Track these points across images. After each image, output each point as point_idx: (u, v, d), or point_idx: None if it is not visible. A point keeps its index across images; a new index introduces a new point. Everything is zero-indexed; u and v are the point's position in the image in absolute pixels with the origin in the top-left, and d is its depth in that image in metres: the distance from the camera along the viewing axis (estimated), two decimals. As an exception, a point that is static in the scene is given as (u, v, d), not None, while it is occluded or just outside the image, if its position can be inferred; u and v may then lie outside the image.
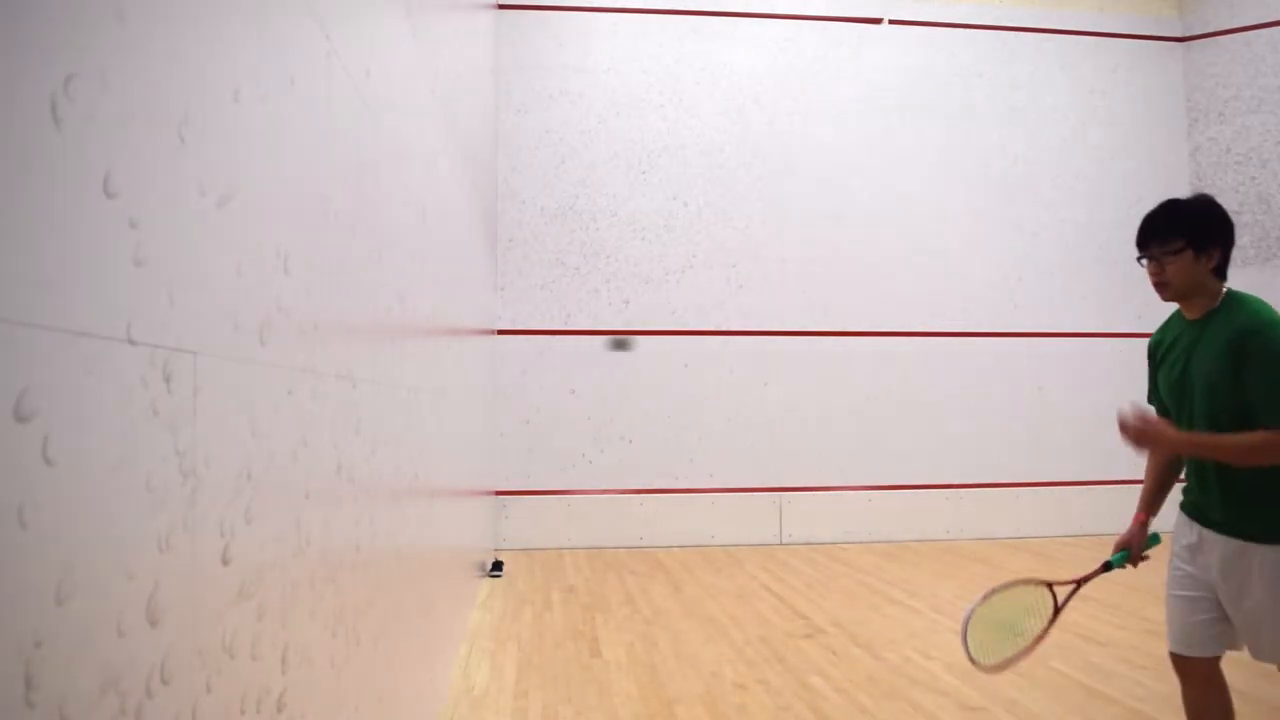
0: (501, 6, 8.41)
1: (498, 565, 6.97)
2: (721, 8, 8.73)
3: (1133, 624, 5.13)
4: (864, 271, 8.71)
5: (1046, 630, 2.80)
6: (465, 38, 4.91)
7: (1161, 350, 2.57)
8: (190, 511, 1.04)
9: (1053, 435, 8.65)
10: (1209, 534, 2.43)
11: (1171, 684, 3.98)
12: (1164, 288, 2.43)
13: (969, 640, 2.63)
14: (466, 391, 4.98)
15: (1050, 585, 2.81)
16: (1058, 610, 2.81)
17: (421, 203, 2.98)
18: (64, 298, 0.78)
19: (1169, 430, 2.41)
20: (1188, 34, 9.31)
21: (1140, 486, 2.77)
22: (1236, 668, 4.17)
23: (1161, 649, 4.64)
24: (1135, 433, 2.40)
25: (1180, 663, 2.56)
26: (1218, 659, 2.51)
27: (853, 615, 5.39)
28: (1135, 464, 2.89)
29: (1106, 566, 2.75)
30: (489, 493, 7.22)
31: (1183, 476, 2.62)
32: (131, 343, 0.90)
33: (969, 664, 2.63)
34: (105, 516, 0.85)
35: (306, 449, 1.53)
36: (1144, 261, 2.47)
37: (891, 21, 8.94)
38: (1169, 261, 2.39)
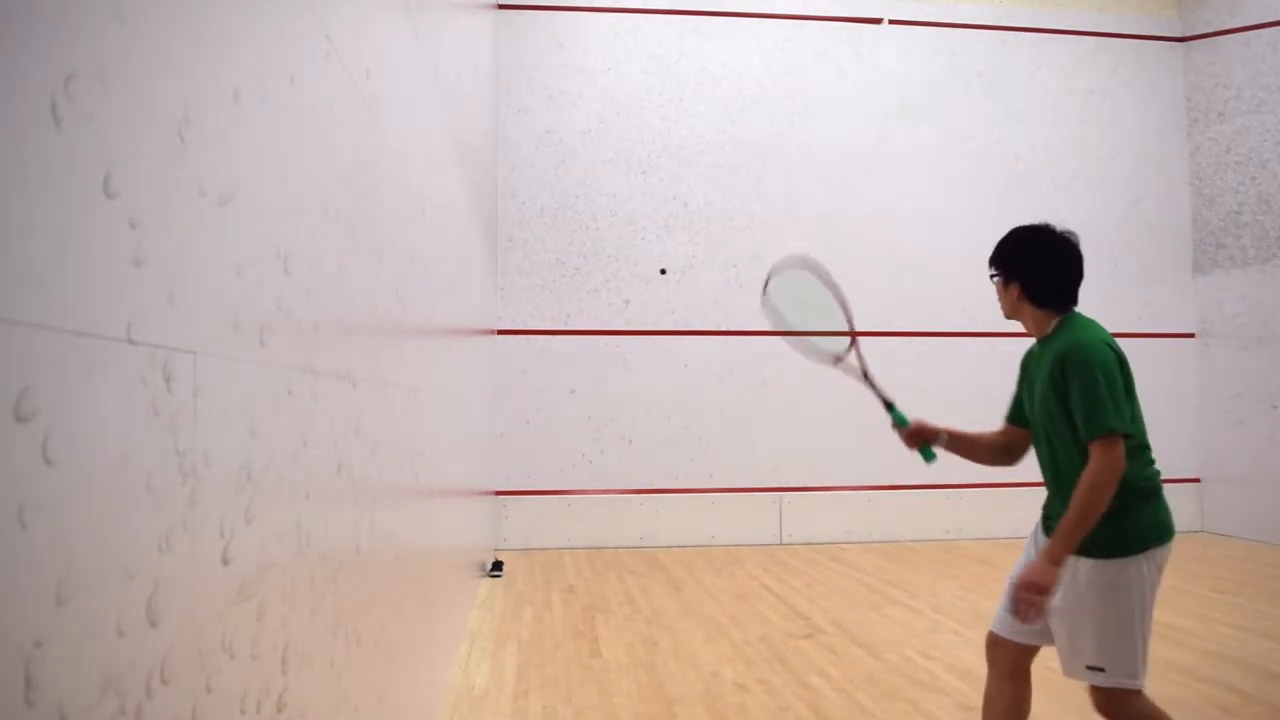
0: (501, 6, 8.41)
1: (498, 565, 6.97)
2: (721, 8, 8.73)
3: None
4: (864, 271, 8.71)
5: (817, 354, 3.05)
6: (465, 38, 4.91)
7: (1028, 366, 2.70)
8: (190, 511, 1.04)
9: (1053, 435, 8.64)
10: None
11: (1170, 684, 3.99)
12: (1000, 308, 2.70)
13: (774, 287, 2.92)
14: (466, 391, 4.98)
15: (853, 337, 3.02)
16: (838, 360, 3.05)
17: (421, 202, 2.98)
18: (64, 298, 0.78)
19: (1044, 572, 2.35)
20: (1188, 34, 9.31)
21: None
22: (1237, 668, 4.18)
23: (1161, 650, 4.64)
24: (1029, 605, 2.37)
25: (992, 645, 2.63)
26: (1028, 654, 2.59)
27: (853, 615, 5.39)
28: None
29: (889, 407, 2.87)
30: (489, 493, 7.22)
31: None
32: (131, 343, 0.90)
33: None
34: (105, 516, 0.84)
35: (306, 449, 1.53)
36: None
37: (891, 21, 8.94)
38: (994, 285, 2.68)
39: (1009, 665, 2.60)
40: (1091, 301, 8.33)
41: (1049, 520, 2.54)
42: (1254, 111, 8.63)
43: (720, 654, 4.55)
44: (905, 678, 4.14)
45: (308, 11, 1.56)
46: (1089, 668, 2.37)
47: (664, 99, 8.58)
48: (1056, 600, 2.42)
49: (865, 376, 2.97)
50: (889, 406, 2.84)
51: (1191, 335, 9.04)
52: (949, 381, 8.63)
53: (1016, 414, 2.76)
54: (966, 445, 2.83)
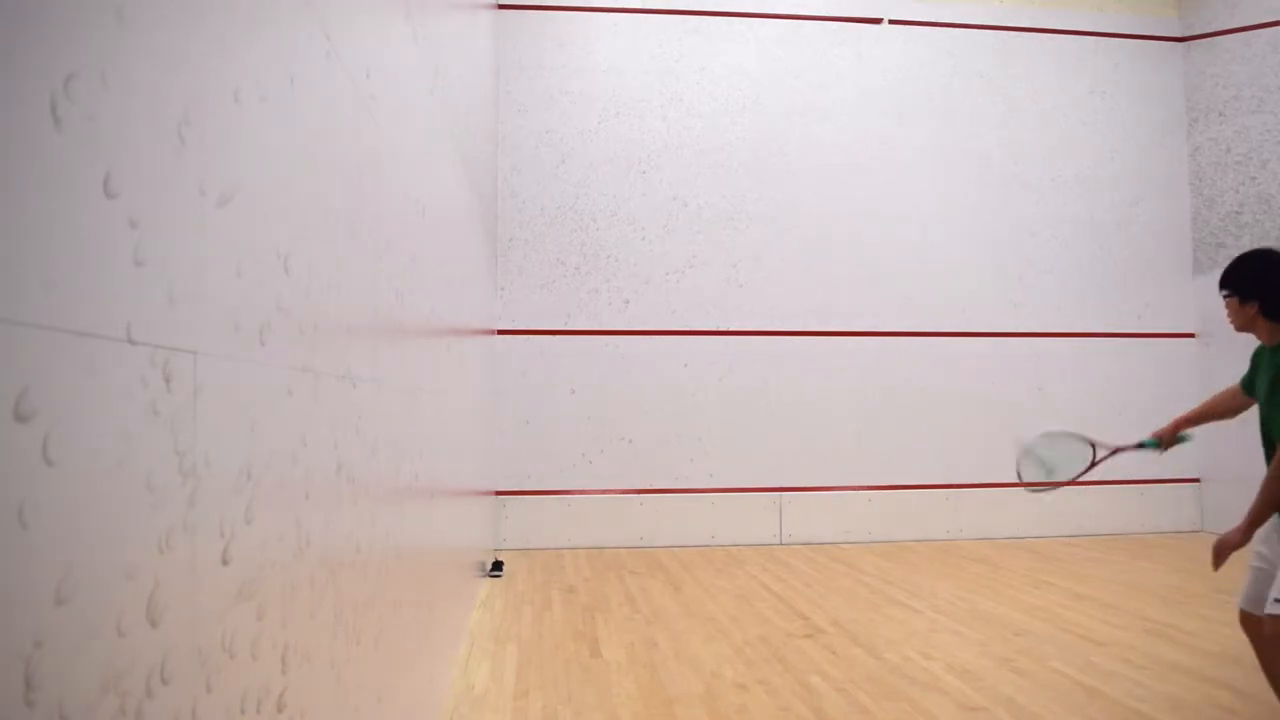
0: (501, 6, 8.41)
1: (498, 565, 6.97)
2: (721, 8, 8.73)
3: (1133, 624, 5.13)
4: (864, 271, 8.71)
5: (1077, 479, 3.64)
6: (465, 38, 4.91)
7: (1259, 361, 3.14)
8: (190, 511, 1.04)
9: (1053, 435, 8.64)
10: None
11: (1172, 684, 3.98)
12: (1230, 322, 3.11)
13: (1021, 466, 3.65)
14: (466, 391, 4.98)
15: (1093, 444, 3.59)
16: (1092, 465, 3.61)
17: (421, 202, 2.98)
18: (64, 298, 0.78)
19: (1232, 535, 2.95)
20: (1188, 34, 9.31)
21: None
22: (1239, 668, 4.17)
23: (1161, 648, 4.64)
24: (1217, 554, 2.97)
25: (1245, 620, 3.08)
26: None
27: (853, 615, 5.39)
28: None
29: (1140, 445, 3.39)
30: (489, 493, 7.22)
31: None
32: (131, 343, 0.90)
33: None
34: (105, 516, 0.84)
35: (306, 449, 1.53)
36: None
37: (891, 21, 8.94)
38: (1226, 304, 3.06)
39: (1268, 635, 2.95)
40: (1091, 302, 8.36)
41: None
42: (1254, 111, 8.63)
43: (720, 654, 4.55)
44: (905, 678, 4.14)
45: (308, 11, 1.56)
46: (1276, 600, 2.81)
47: (664, 99, 8.58)
48: (1265, 550, 2.99)
49: (1116, 452, 3.56)
50: (1140, 445, 3.40)
51: (1191, 335, 9.04)
52: (949, 381, 8.63)
53: (1249, 386, 3.23)
54: (1207, 419, 3.39)
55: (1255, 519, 2.83)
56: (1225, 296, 3.06)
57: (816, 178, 8.71)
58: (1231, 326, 3.12)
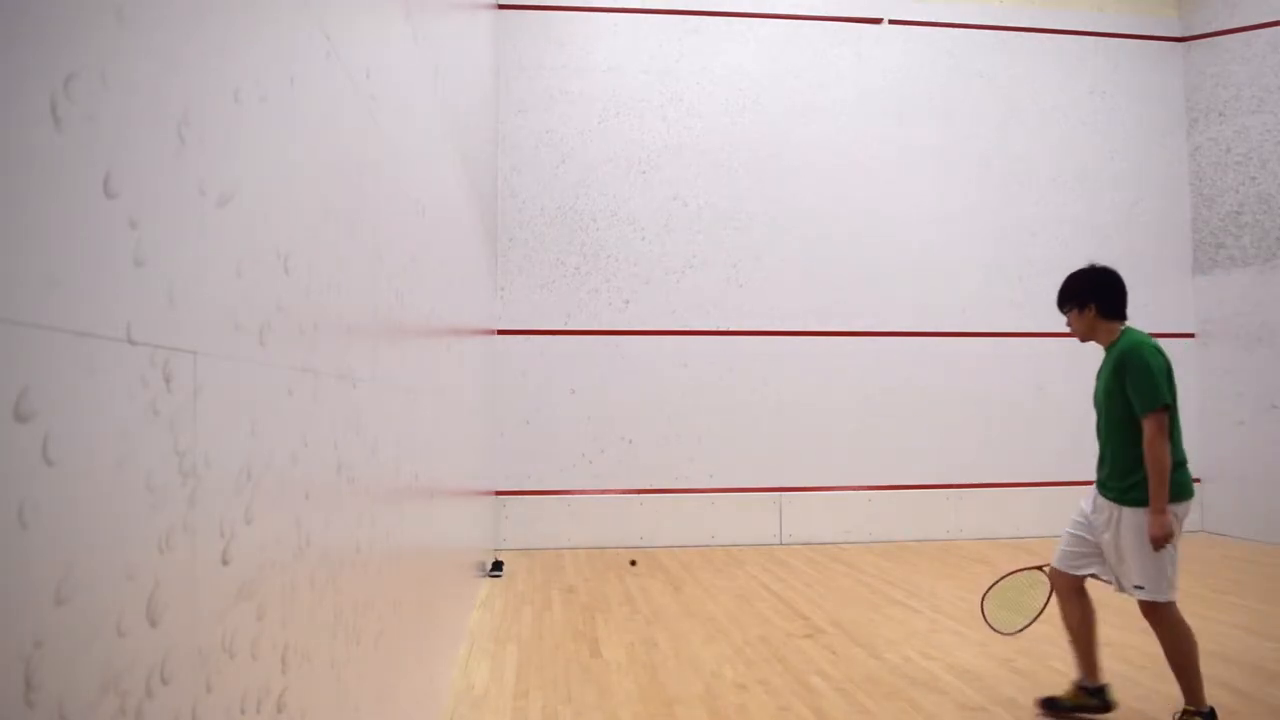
0: (501, 6, 8.41)
1: (498, 565, 6.97)
2: (721, 8, 8.73)
3: (1133, 624, 5.13)
4: (864, 271, 8.71)
5: (1045, 604, 3.82)
6: (465, 38, 4.91)
7: (1098, 382, 3.56)
8: (190, 511, 1.04)
9: (1053, 435, 8.65)
10: (1101, 500, 3.47)
11: (1171, 684, 3.98)
12: (1073, 334, 3.59)
13: (989, 616, 3.90)
14: (466, 391, 4.98)
15: (1043, 568, 3.85)
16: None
17: (421, 202, 2.98)
18: (64, 298, 0.78)
19: (1157, 523, 3.26)
20: (1188, 34, 9.31)
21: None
22: (1238, 668, 4.18)
23: (1161, 648, 4.63)
24: (1160, 545, 3.29)
25: (1054, 576, 3.67)
26: (1081, 580, 3.59)
27: (853, 615, 5.39)
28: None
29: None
30: (489, 493, 7.22)
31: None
32: (131, 343, 0.90)
33: (994, 634, 3.98)
34: (105, 516, 0.84)
35: (306, 449, 1.53)
36: None
37: (891, 21, 8.94)
38: (1068, 318, 3.59)
39: (1071, 589, 3.60)
40: (1091, 301, 7.83)
41: (1102, 484, 3.47)
42: (1254, 111, 8.63)
43: (720, 654, 4.55)
44: (905, 678, 4.14)
45: (308, 11, 1.56)
46: (1135, 587, 3.35)
47: (664, 99, 8.58)
48: (1106, 538, 3.43)
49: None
50: None
51: (1191, 335, 9.03)
52: (949, 381, 8.63)
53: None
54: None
55: (1159, 497, 3.22)
56: (1066, 312, 3.55)
57: (816, 177, 8.71)
58: (1075, 337, 3.58)
